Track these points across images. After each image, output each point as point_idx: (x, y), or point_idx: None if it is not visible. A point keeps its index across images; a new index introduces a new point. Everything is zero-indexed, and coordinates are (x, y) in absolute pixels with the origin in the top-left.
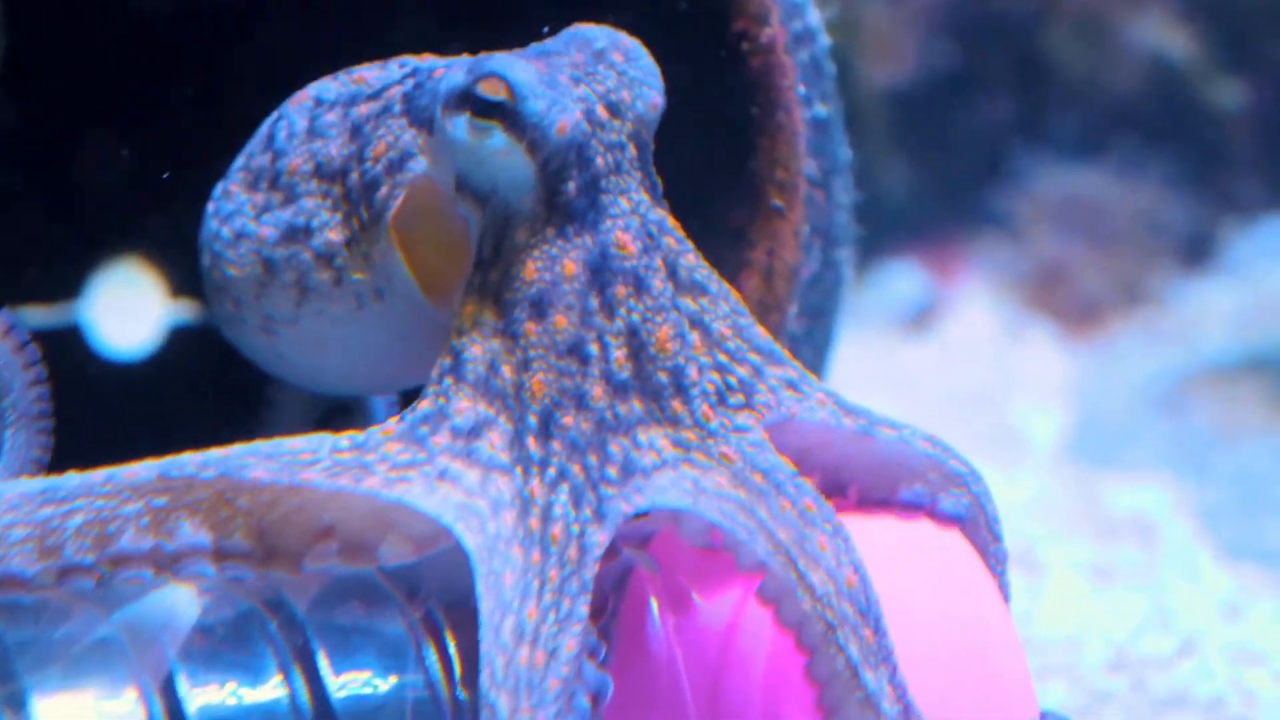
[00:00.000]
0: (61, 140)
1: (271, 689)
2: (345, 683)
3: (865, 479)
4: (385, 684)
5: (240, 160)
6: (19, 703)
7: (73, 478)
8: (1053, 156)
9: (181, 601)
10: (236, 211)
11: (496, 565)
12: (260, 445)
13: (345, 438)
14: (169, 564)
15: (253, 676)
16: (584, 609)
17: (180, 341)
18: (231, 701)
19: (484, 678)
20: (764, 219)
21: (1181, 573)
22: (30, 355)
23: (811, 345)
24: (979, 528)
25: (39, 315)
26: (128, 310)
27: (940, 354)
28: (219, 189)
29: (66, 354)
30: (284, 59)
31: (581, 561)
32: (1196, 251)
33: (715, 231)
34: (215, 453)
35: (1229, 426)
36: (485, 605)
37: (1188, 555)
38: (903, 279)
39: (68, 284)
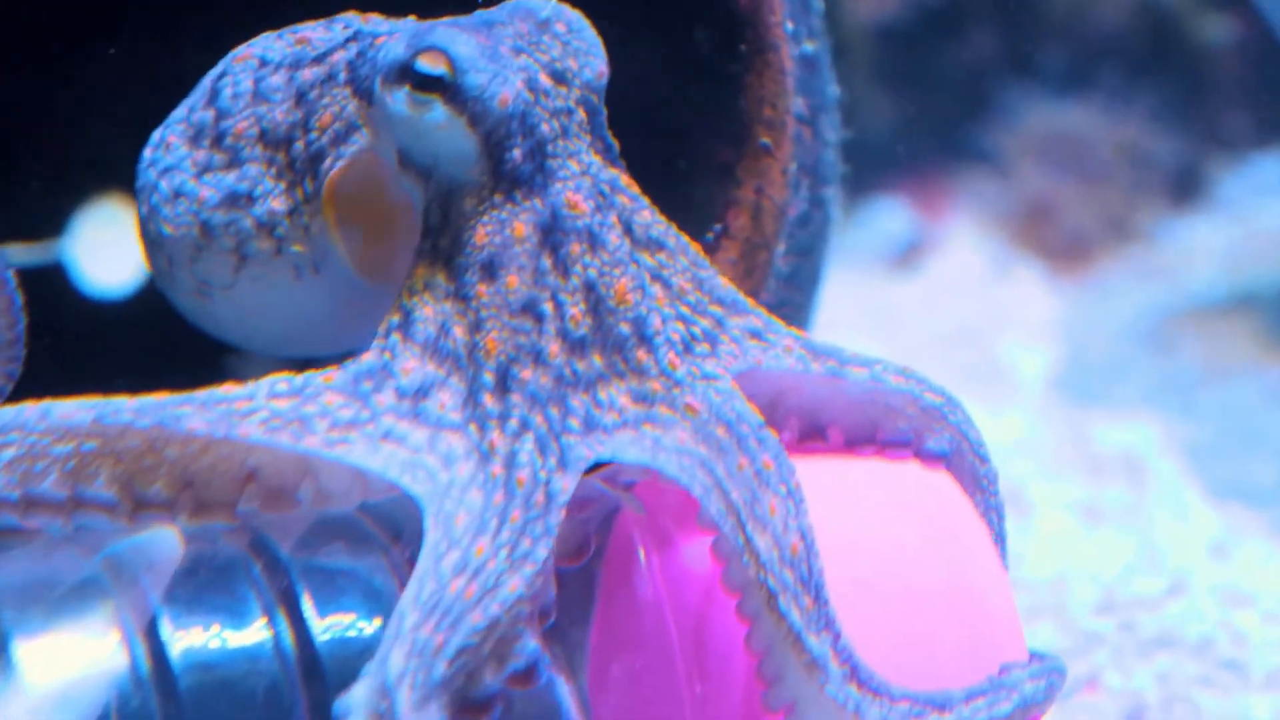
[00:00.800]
0: (40, 75)
1: (256, 632)
2: (330, 625)
3: (844, 420)
4: (370, 627)
5: (180, 112)
6: (0, 646)
7: (6, 411)
8: (1039, 91)
9: (165, 543)
10: (175, 166)
11: (449, 507)
12: (197, 393)
13: (282, 380)
14: (77, 513)
15: (237, 619)
16: (543, 553)
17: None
18: (215, 644)
19: (405, 594)
20: (752, 157)
21: (1170, 512)
22: (4, 283)
23: (799, 284)
24: (964, 457)
25: (20, 253)
26: (110, 248)
27: (927, 291)
28: (156, 137)
29: (48, 292)
30: None
31: (548, 507)
32: (1185, 187)
33: (702, 169)
34: (152, 400)
35: (1217, 364)
36: (431, 536)
37: (1176, 494)
38: (889, 216)
39: (50, 221)
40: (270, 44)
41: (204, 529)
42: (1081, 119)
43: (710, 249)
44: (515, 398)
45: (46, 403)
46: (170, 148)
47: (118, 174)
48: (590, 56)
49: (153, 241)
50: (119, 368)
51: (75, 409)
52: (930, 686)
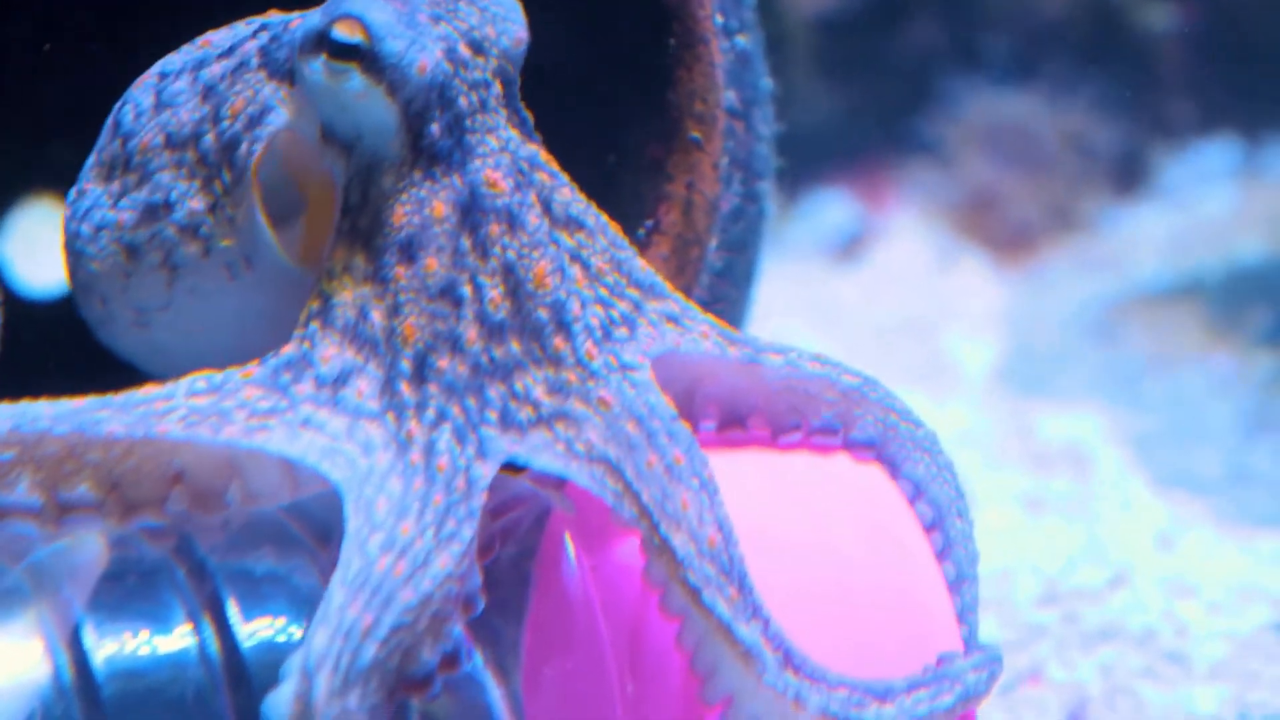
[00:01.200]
0: None
1: (180, 638)
2: (255, 630)
3: (766, 408)
4: (298, 631)
5: (91, 159)
6: None
7: None
8: (982, 81)
9: (88, 550)
10: (94, 205)
11: (369, 493)
12: (114, 397)
13: (201, 379)
14: (1, 519)
15: (161, 625)
16: (468, 534)
17: None
18: (140, 651)
19: (334, 577)
20: (682, 152)
21: (1114, 503)
22: None
23: (733, 279)
24: (895, 429)
25: None
26: (42, 248)
27: (871, 283)
28: (73, 191)
29: None
30: None
31: (470, 491)
32: (1128, 176)
33: (632, 164)
34: (70, 405)
35: (1163, 353)
36: (353, 524)
37: (1121, 484)
38: (832, 207)
39: None
40: (169, 59)
41: (127, 535)
42: (1025, 108)
43: (642, 245)
44: (432, 388)
45: None
46: (86, 193)
47: (50, 174)
48: (508, 23)
49: (84, 287)
50: (51, 368)
51: None
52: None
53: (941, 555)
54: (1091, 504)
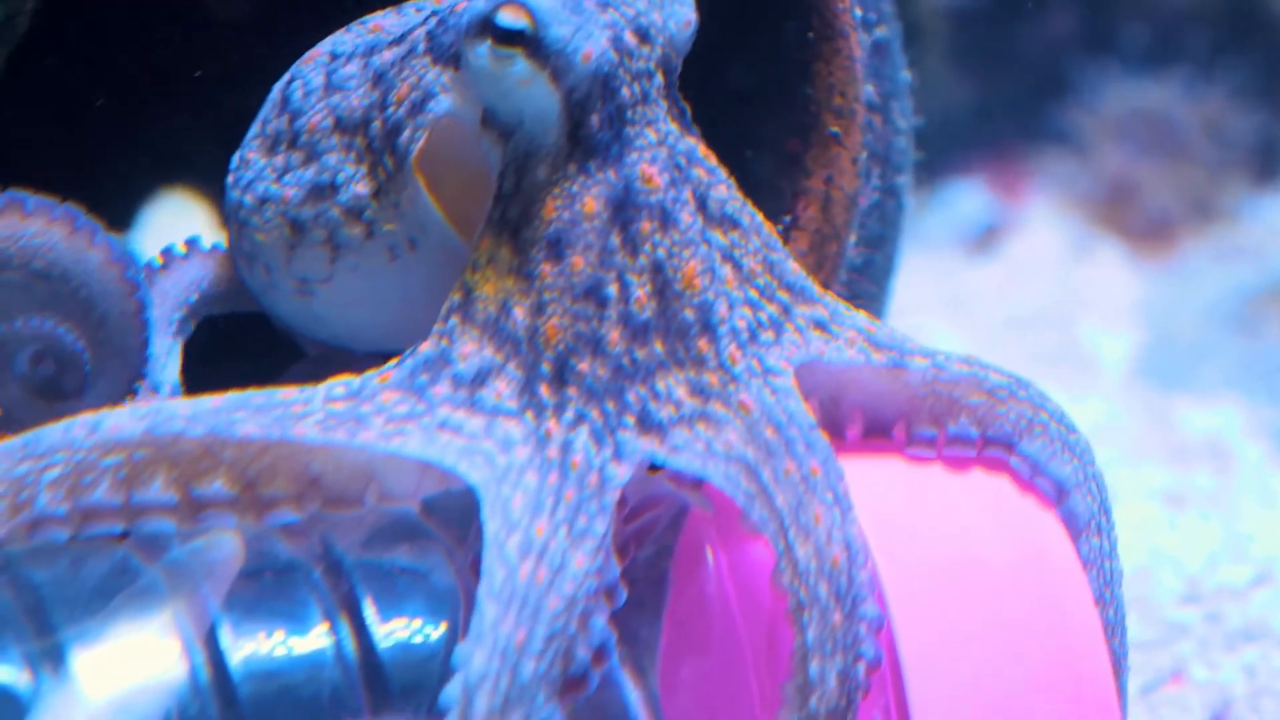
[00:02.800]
0: (114, 69)
1: (316, 638)
2: (392, 631)
3: (910, 411)
4: (435, 632)
5: (254, 129)
6: (58, 657)
7: (54, 430)
8: (1118, 69)
9: (225, 549)
10: (256, 178)
11: (505, 491)
12: (253, 396)
13: (340, 384)
14: (135, 519)
15: (297, 625)
16: (601, 528)
17: None
18: (276, 652)
19: (481, 588)
20: (821, 146)
21: (1256, 498)
22: (133, 282)
23: (872, 275)
24: (1042, 434)
25: None
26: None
27: (1006, 274)
28: (235, 159)
29: None
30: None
31: (602, 488)
32: (1267, 165)
33: (770, 159)
34: (206, 405)
35: None
36: (490, 527)
37: (1262, 480)
38: (967, 198)
39: (118, 213)
40: (339, 39)
41: (263, 533)
42: (1161, 96)
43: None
44: (572, 390)
45: (97, 415)
46: (249, 163)
47: (186, 167)
48: (677, 5)
49: (248, 256)
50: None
51: (127, 420)
52: None
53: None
54: (1233, 499)
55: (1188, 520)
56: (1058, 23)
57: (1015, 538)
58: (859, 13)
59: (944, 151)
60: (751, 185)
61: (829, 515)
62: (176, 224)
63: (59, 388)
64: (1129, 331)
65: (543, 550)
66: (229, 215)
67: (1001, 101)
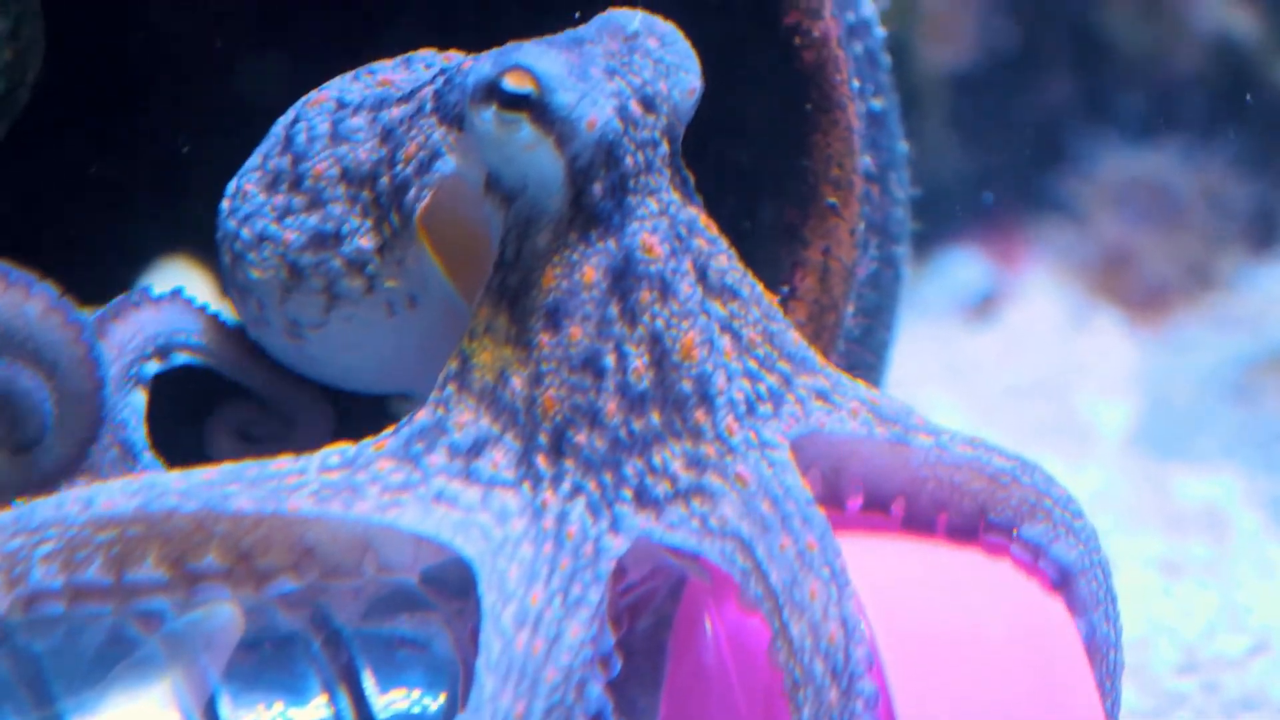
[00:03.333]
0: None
1: (316, 709)
2: (392, 702)
3: (910, 490)
4: (435, 702)
5: (254, 160)
6: None
7: (47, 504)
8: (1116, 138)
9: (224, 620)
10: (256, 213)
11: (501, 564)
12: (246, 468)
13: (335, 453)
14: (127, 598)
15: (297, 697)
16: (595, 597)
17: None
18: None
19: (479, 661)
20: (819, 217)
21: (1253, 567)
22: (81, 333)
23: (870, 345)
24: (1045, 519)
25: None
26: None
27: (1004, 342)
28: (231, 187)
29: None
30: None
31: (598, 558)
32: (1265, 233)
33: (768, 230)
34: (199, 479)
35: None
36: (487, 600)
37: (1259, 549)
38: (965, 266)
39: (118, 282)
40: (347, 86)
41: (262, 603)
42: (1159, 165)
43: None
44: (569, 462)
45: (90, 490)
46: (247, 196)
47: (185, 234)
48: (682, 72)
49: (241, 288)
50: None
51: (120, 496)
52: None
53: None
54: (1230, 568)
55: (1185, 589)
56: (1055, 91)
57: (1016, 620)
58: (856, 84)
59: (942, 219)
60: (750, 256)
61: (825, 591)
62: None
63: (21, 438)
64: (1126, 400)
65: (538, 620)
66: (222, 244)
67: (999, 169)
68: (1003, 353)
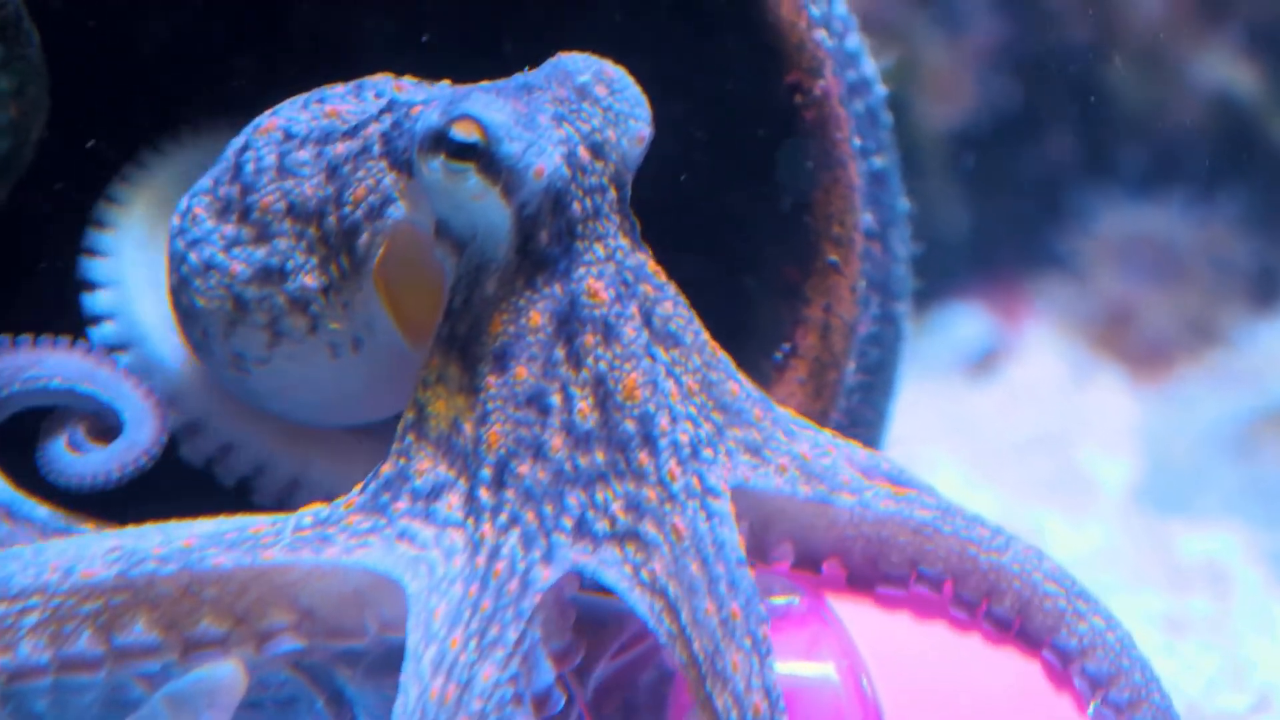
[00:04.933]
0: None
1: None
2: None
3: (838, 549)
4: None
5: (204, 183)
6: None
7: (24, 570)
8: (1117, 194)
9: (226, 677)
10: (204, 239)
11: (433, 602)
12: (224, 532)
13: (308, 514)
14: (119, 664)
15: None
16: (513, 636)
17: None
18: None
19: (395, 706)
20: (820, 275)
21: (1256, 624)
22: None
23: (871, 402)
24: (974, 569)
25: None
26: None
27: (1005, 398)
28: (183, 204)
29: None
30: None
31: (521, 594)
32: (1266, 291)
33: (769, 287)
34: (178, 543)
35: None
36: (412, 639)
37: (1262, 605)
38: (966, 321)
39: None
40: (294, 115)
41: (265, 662)
42: (1160, 221)
43: (779, 368)
44: (509, 493)
45: (69, 558)
46: (197, 219)
47: None
48: (632, 120)
49: (186, 313)
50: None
51: (100, 565)
52: None
53: None
54: (1232, 625)
55: (1187, 647)
56: (1056, 146)
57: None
58: (858, 142)
59: (943, 274)
60: (752, 313)
61: (747, 662)
62: None
63: None
64: (1128, 456)
65: (452, 665)
66: (170, 261)
67: (1000, 225)
68: (1004, 409)
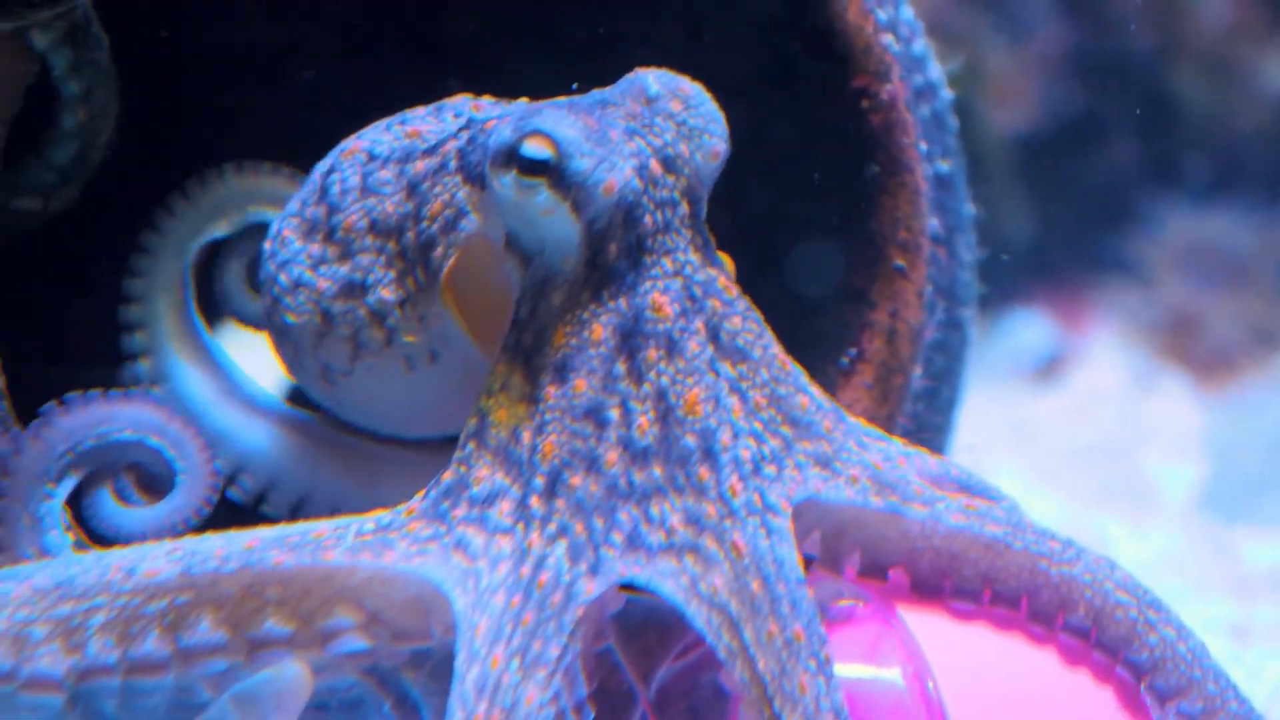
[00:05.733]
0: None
1: None
2: None
3: (907, 560)
4: None
5: (293, 205)
6: None
7: (88, 570)
8: (1182, 200)
9: (293, 680)
10: (293, 259)
11: (475, 618)
12: (287, 534)
13: (370, 520)
14: (187, 664)
15: None
16: (555, 652)
17: None
18: None
19: None
20: (886, 279)
21: None
22: None
23: (937, 407)
24: (1045, 583)
25: None
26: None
27: (1069, 405)
28: (274, 228)
29: None
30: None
31: (564, 607)
32: None
33: (836, 292)
34: (240, 545)
35: None
36: (459, 658)
37: None
38: (1030, 328)
39: None
40: (378, 137)
41: (331, 662)
42: (1225, 226)
43: (845, 373)
44: (560, 503)
45: (131, 559)
46: (285, 242)
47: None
48: (705, 135)
49: (279, 331)
50: None
51: (164, 563)
52: None
53: None
54: None
55: (1253, 655)
56: (1120, 152)
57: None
58: (924, 147)
59: (1007, 281)
60: (819, 318)
61: (814, 684)
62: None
63: None
64: (1192, 462)
65: (495, 688)
66: (262, 285)
67: (1064, 231)
68: (1068, 415)
